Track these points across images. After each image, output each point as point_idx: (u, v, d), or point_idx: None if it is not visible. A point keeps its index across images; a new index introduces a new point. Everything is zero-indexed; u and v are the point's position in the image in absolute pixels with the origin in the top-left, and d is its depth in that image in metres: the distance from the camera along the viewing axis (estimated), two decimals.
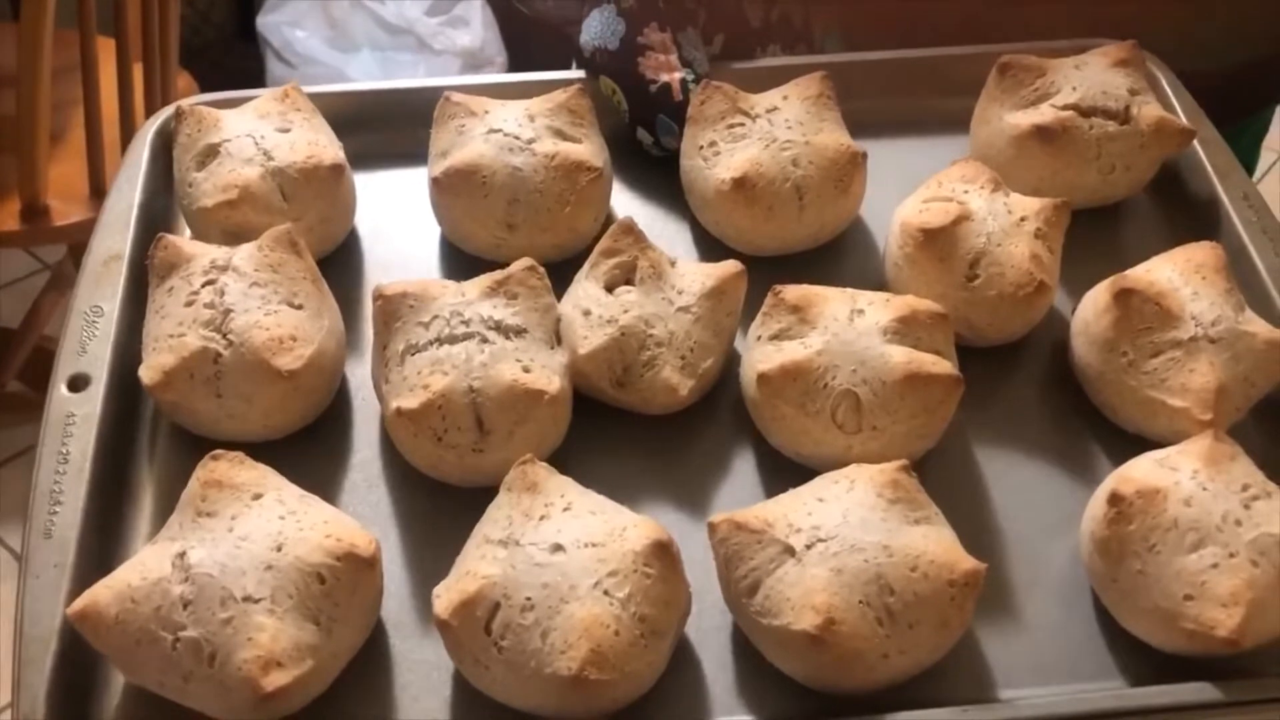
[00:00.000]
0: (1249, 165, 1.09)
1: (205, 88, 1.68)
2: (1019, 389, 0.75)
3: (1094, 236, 0.80)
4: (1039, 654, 0.63)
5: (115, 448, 0.68)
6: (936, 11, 0.94)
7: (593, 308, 0.70)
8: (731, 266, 0.72)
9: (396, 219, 0.83)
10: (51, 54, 1.28)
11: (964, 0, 0.94)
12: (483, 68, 1.98)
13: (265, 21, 1.91)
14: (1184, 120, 0.82)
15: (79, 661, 0.60)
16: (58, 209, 1.46)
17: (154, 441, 0.71)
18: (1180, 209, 0.83)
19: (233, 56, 2.14)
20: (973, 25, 0.92)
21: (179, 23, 1.52)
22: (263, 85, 2.07)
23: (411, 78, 1.93)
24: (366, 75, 1.91)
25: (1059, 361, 0.76)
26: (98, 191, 1.47)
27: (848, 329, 0.67)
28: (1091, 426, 0.73)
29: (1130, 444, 0.70)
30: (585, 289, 0.71)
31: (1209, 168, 0.82)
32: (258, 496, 0.61)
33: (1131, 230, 0.83)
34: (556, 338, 0.70)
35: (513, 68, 2.03)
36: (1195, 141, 0.82)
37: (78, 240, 1.52)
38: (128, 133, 1.47)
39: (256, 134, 0.75)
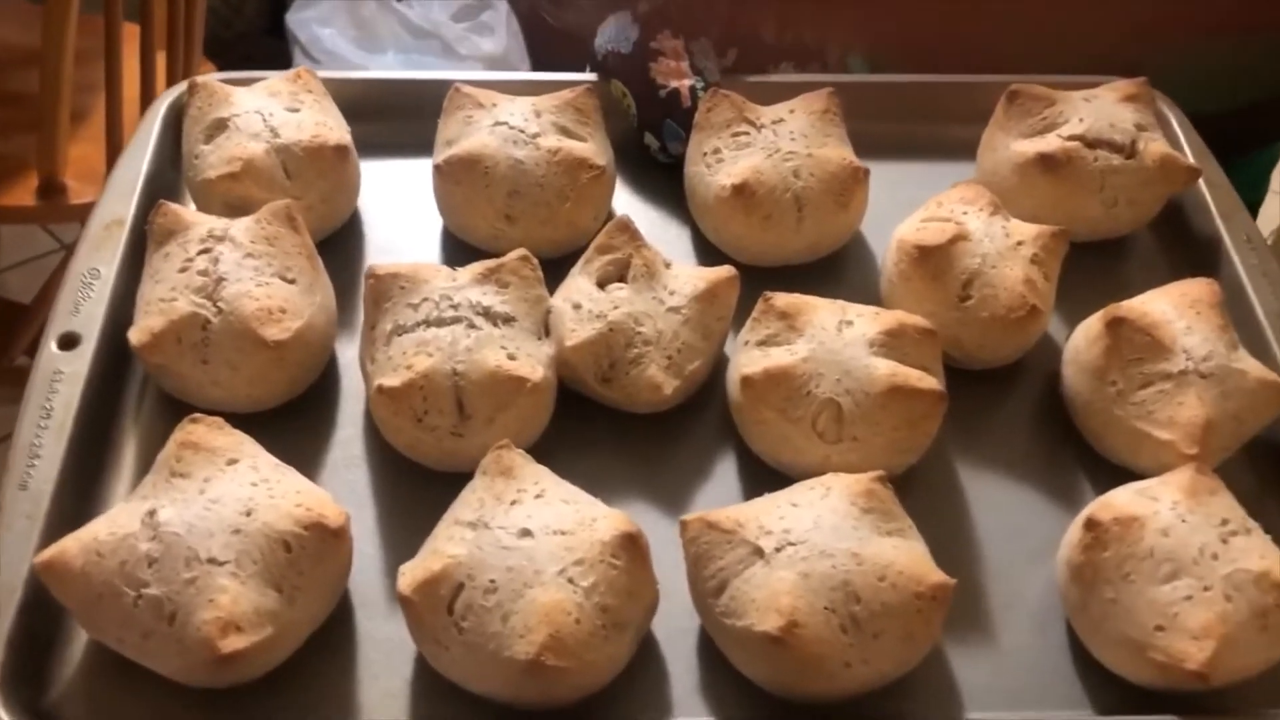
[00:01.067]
0: (1258, 196, 1.09)
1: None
2: (1009, 416, 0.75)
3: (1095, 270, 0.80)
4: (1008, 678, 0.63)
5: (100, 409, 0.69)
6: (955, 40, 0.94)
7: (583, 302, 0.70)
8: (724, 271, 0.72)
9: (400, 207, 0.83)
10: (76, 36, 1.29)
11: (981, 31, 0.95)
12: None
13: (295, 18, 1.93)
14: (1190, 159, 0.82)
15: (43, 614, 0.60)
16: (74, 188, 1.47)
17: (140, 406, 0.71)
18: (1182, 248, 0.83)
19: (260, 51, 2.16)
20: (989, 55, 0.93)
21: (205, 12, 1.54)
22: None
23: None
24: None
25: (1051, 391, 0.75)
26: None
27: (835, 339, 0.67)
28: (1079, 457, 0.72)
29: (1114, 474, 0.69)
30: (578, 283, 0.71)
31: (1213, 208, 0.82)
32: (232, 462, 0.61)
33: (1133, 266, 0.83)
34: (545, 329, 0.70)
35: None
36: (1200, 182, 0.82)
37: None
38: None
39: (265, 111, 0.76)
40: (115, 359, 0.71)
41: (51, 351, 0.68)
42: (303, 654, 0.60)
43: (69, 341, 0.69)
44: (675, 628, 0.63)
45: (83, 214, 1.50)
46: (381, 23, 1.91)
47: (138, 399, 0.71)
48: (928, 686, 0.62)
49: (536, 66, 2.01)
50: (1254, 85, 0.95)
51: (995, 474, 0.71)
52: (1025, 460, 0.72)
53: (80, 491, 0.65)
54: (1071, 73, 0.87)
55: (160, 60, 1.47)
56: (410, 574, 0.58)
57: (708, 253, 0.81)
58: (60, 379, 0.67)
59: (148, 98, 1.47)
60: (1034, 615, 0.65)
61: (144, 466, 0.68)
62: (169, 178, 0.82)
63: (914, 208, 0.79)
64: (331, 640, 0.62)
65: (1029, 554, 0.68)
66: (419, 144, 0.85)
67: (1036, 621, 0.65)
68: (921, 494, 0.68)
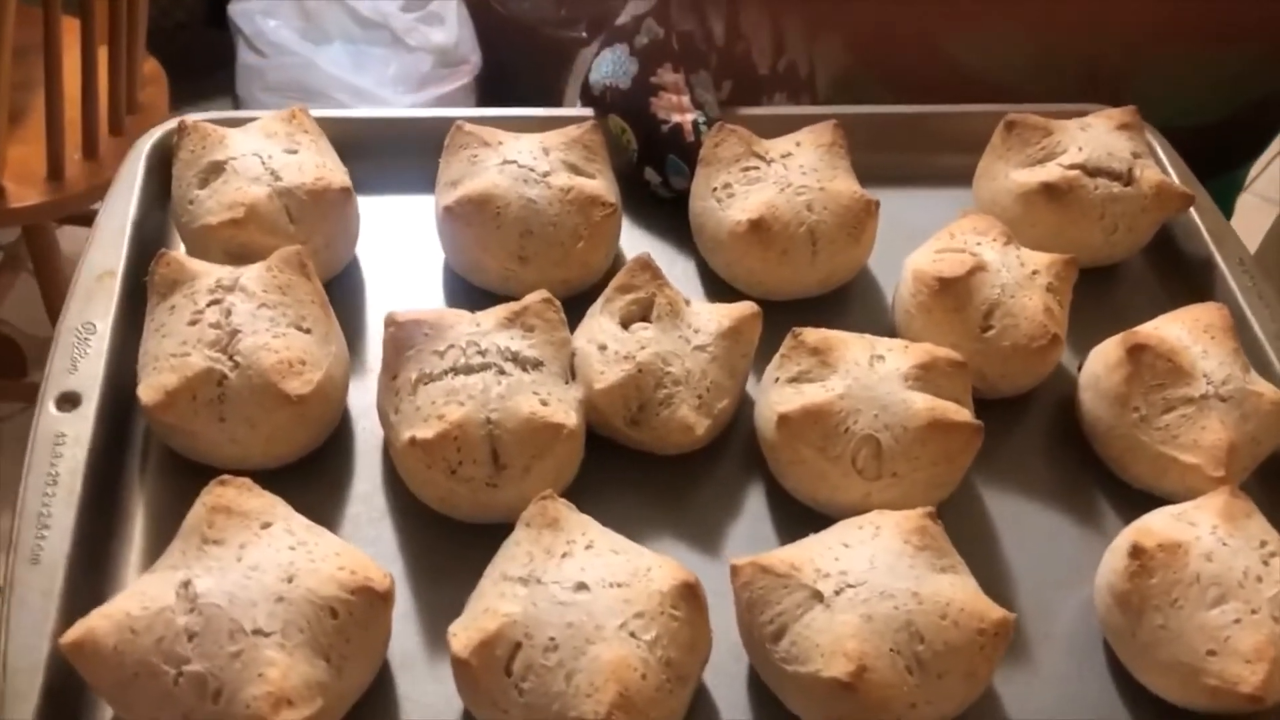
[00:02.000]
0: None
1: (172, 73, 1.65)
2: (1024, 443, 0.75)
3: (1093, 296, 0.81)
4: (1054, 707, 0.63)
5: (104, 471, 0.65)
6: (932, 65, 0.95)
7: (609, 343, 0.69)
8: (747, 308, 0.71)
9: (397, 246, 0.81)
10: (13, 30, 1.24)
11: (958, 55, 0.96)
12: (456, 65, 1.98)
13: (238, 9, 1.88)
14: (1182, 185, 0.84)
15: (66, 696, 0.56)
16: (13, 191, 1.42)
17: (144, 466, 0.67)
18: (1175, 272, 0.85)
19: (201, 43, 2.10)
20: (965, 79, 0.94)
21: (148, 5, 1.49)
22: (231, 74, 2.06)
23: (403, 98, 1.91)
24: (337, 67, 1.90)
25: (1062, 416, 0.76)
26: (55, 174, 1.43)
27: (868, 374, 0.67)
28: (1097, 481, 0.73)
29: (1136, 499, 0.70)
30: (600, 324, 0.70)
31: (1204, 232, 0.84)
32: (266, 525, 0.58)
33: (1128, 291, 0.84)
34: (571, 372, 0.68)
35: (486, 67, 2.02)
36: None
37: (33, 222, 1.48)
38: (89, 116, 1.44)
39: (264, 153, 0.73)
40: (116, 418, 0.67)
41: (51, 413, 0.65)
42: None
43: (69, 401, 0.65)
44: (723, 672, 0.62)
45: (22, 217, 1.45)
46: (328, 13, 1.87)
47: (140, 458, 0.68)
48: (977, 718, 0.62)
49: (487, 56, 1.99)
50: (1224, 103, 0.98)
51: (1018, 502, 0.72)
52: (1045, 486, 0.73)
53: (92, 562, 0.62)
54: (1052, 88, 0.89)
55: (102, 55, 1.42)
56: (464, 635, 0.56)
57: (716, 287, 0.80)
58: (63, 442, 0.63)
59: (89, 95, 1.42)
60: (1072, 642, 0.66)
61: (155, 530, 0.65)
62: (155, 223, 0.78)
63: (914, 237, 0.79)
64: (373, 707, 0.59)
65: (1060, 581, 0.68)
66: (411, 181, 0.82)
67: (1075, 648, 0.65)
68: (949, 525, 0.68)
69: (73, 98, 1.40)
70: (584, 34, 2.00)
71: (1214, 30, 0.93)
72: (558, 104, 1.52)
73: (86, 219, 1.80)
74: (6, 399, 1.80)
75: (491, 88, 2.07)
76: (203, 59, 2.06)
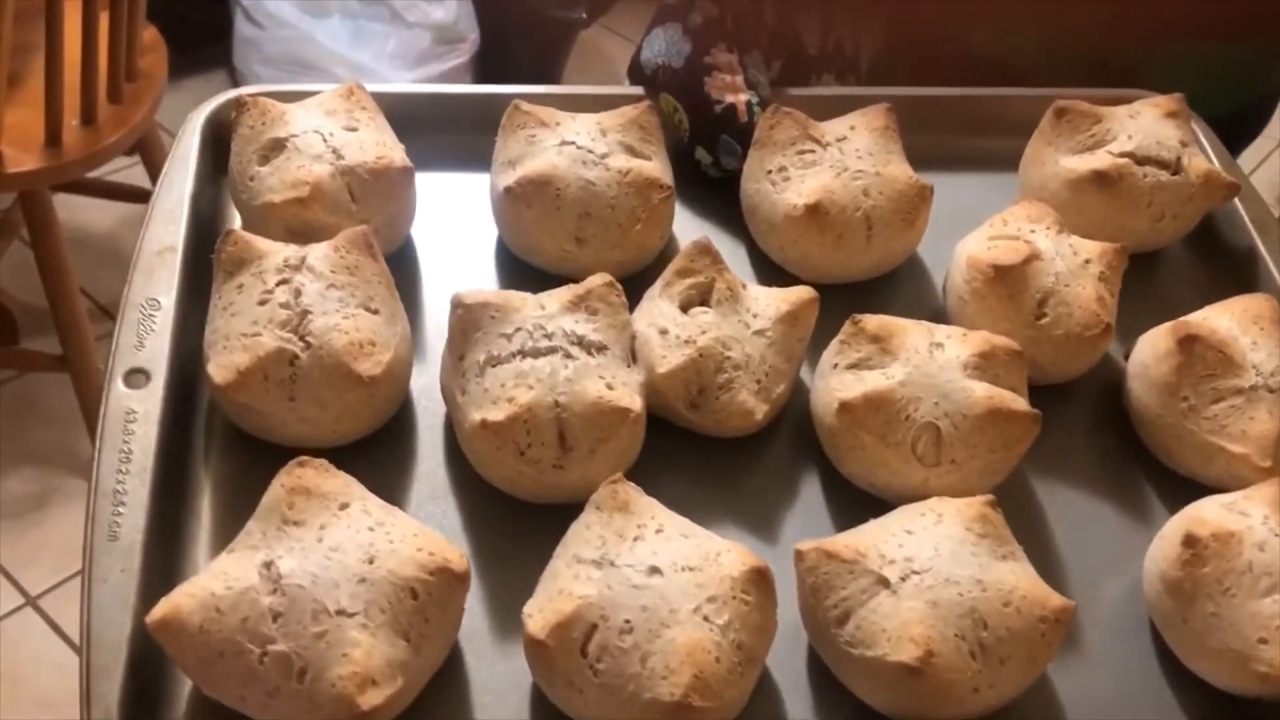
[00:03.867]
0: None
1: (171, 42, 1.63)
2: (1070, 429, 0.76)
3: (1136, 282, 0.82)
4: (1103, 690, 0.64)
5: (172, 448, 0.66)
6: (946, 51, 0.96)
7: (670, 327, 0.69)
8: (805, 292, 0.72)
9: (451, 224, 0.81)
10: None
11: (971, 41, 0.96)
12: (454, 43, 1.97)
13: None
14: (1228, 175, 0.85)
15: (150, 672, 0.57)
16: (10, 156, 1.41)
17: (208, 443, 0.68)
18: (1218, 260, 0.86)
19: (199, 12, 2.08)
20: (975, 65, 0.94)
21: None
22: (229, 45, 2.04)
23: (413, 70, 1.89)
24: (336, 42, 1.88)
25: (1107, 403, 0.77)
26: (53, 140, 1.41)
27: (928, 361, 0.68)
28: (1143, 467, 0.74)
29: (1181, 486, 0.72)
30: (660, 308, 0.71)
31: (1248, 221, 0.85)
32: (344, 506, 0.59)
33: (1171, 279, 0.85)
34: (632, 355, 0.69)
35: (484, 45, 2.01)
36: None
37: (29, 189, 1.47)
38: (89, 83, 1.42)
39: (325, 130, 0.73)
40: (182, 395, 0.68)
41: (120, 389, 0.65)
42: (416, 703, 0.59)
43: (138, 378, 0.66)
44: (782, 653, 0.63)
45: (19, 183, 1.44)
46: None
47: (205, 436, 0.68)
48: (1030, 701, 0.63)
49: (485, 35, 1.98)
50: (1231, 97, 0.99)
51: (1063, 488, 0.73)
52: (1091, 472, 0.74)
53: (165, 538, 0.62)
54: (1062, 77, 0.89)
55: (103, 22, 1.40)
56: (540, 616, 0.57)
57: (766, 270, 0.81)
58: (134, 419, 0.64)
59: (89, 62, 1.41)
60: (1119, 627, 0.67)
61: (223, 508, 0.65)
62: (209, 198, 0.78)
63: (959, 220, 0.80)
64: (444, 685, 0.60)
65: (1106, 566, 0.69)
66: (465, 159, 0.83)
67: (1122, 633, 0.67)
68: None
69: (72, 63, 1.39)
70: (583, 15, 2.00)
71: (1223, 25, 0.94)
72: (555, 84, 1.51)
73: (83, 187, 1.79)
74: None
75: (489, 66, 2.06)
76: (200, 30, 2.04)
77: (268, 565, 0.56)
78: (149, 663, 0.57)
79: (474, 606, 0.63)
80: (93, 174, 1.57)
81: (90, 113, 1.45)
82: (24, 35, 1.40)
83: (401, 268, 0.78)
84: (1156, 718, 0.64)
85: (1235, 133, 1.04)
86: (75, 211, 1.95)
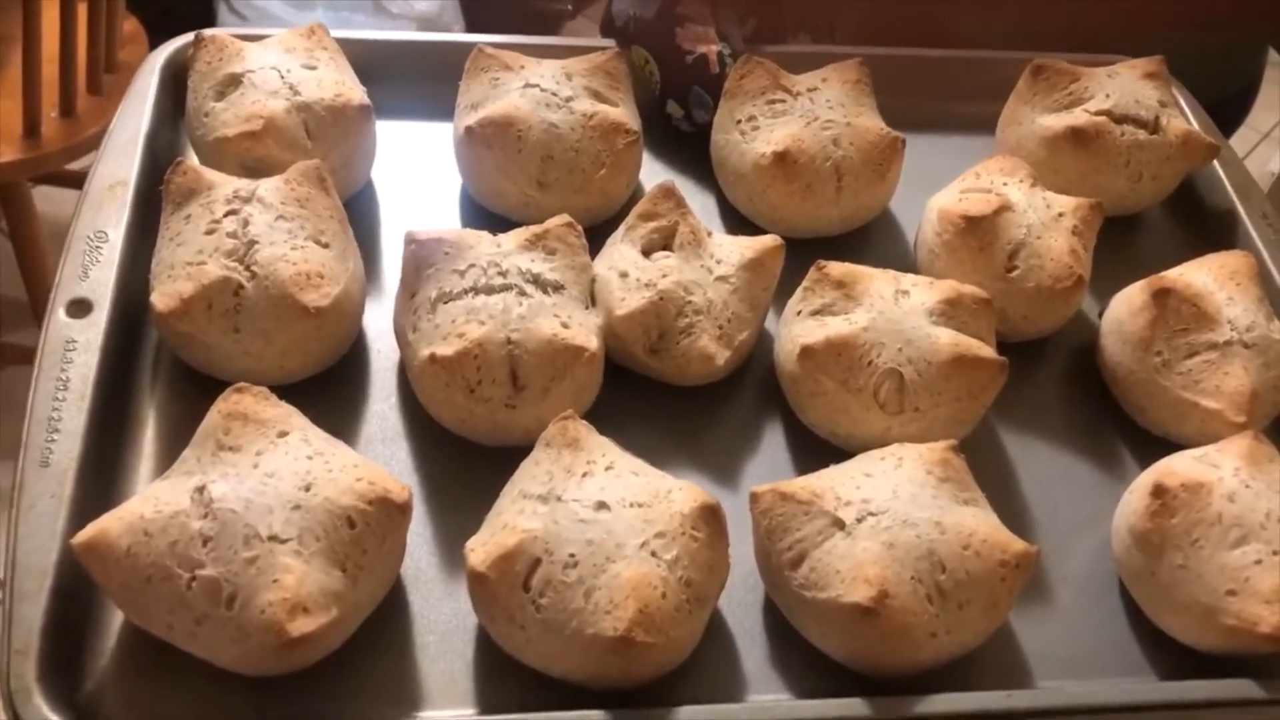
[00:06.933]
0: None
1: (152, 34, 1.61)
2: (1043, 387, 0.75)
3: (1115, 245, 0.81)
4: (1069, 647, 0.63)
5: (114, 379, 0.64)
6: (926, 32, 0.95)
7: (630, 270, 0.68)
8: (770, 240, 0.70)
9: (413, 171, 0.80)
10: None
11: (953, 26, 0.95)
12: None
13: None
14: (1208, 136, 0.83)
15: (76, 600, 0.55)
16: None
17: (154, 378, 0.66)
18: (1197, 223, 0.84)
19: (183, 4, 2.06)
20: (971, 40, 0.93)
21: None
22: None
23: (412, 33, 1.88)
24: None
25: (1081, 361, 0.76)
26: (32, 131, 1.40)
27: (893, 308, 0.66)
28: (1115, 425, 0.73)
29: (1154, 445, 0.70)
30: (621, 251, 0.69)
31: (1228, 185, 0.83)
32: (283, 434, 0.57)
33: (1150, 240, 0.84)
34: (591, 298, 0.67)
35: None
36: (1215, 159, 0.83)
37: (7, 180, 1.45)
38: (67, 74, 1.41)
39: (282, 67, 0.72)
40: (127, 326, 0.66)
41: (61, 319, 0.63)
42: (355, 638, 0.57)
43: (79, 308, 0.64)
44: (736, 600, 0.62)
45: None
46: None
47: (151, 371, 0.67)
48: (994, 656, 0.61)
49: (470, 27, 1.97)
50: (1210, 86, 0.98)
51: (1034, 444, 0.71)
52: (1063, 429, 0.72)
53: (101, 469, 0.61)
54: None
55: (81, 12, 1.39)
56: (482, 549, 0.55)
57: (736, 222, 0.80)
58: (74, 348, 0.62)
59: (67, 52, 1.39)
60: (1087, 583, 0.65)
61: (166, 441, 0.64)
62: (167, 137, 0.77)
63: (936, 181, 0.79)
64: (386, 622, 0.58)
65: (1076, 523, 0.68)
66: (427, 107, 0.81)
67: (1090, 589, 0.65)
68: (967, 465, 0.68)
69: (51, 55, 1.37)
70: (568, 6, 1.99)
71: (1202, 16, 0.94)
72: None
73: (62, 178, 1.77)
74: None
75: None
76: (183, 21, 2.02)
77: (200, 490, 0.54)
78: (78, 593, 0.56)
79: (421, 548, 0.62)
80: (72, 166, 1.55)
81: (69, 104, 1.44)
82: (2, 26, 1.39)
83: (361, 212, 0.76)
84: (1125, 676, 0.62)
85: (1217, 123, 1.03)
86: (54, 204, 1.93)
